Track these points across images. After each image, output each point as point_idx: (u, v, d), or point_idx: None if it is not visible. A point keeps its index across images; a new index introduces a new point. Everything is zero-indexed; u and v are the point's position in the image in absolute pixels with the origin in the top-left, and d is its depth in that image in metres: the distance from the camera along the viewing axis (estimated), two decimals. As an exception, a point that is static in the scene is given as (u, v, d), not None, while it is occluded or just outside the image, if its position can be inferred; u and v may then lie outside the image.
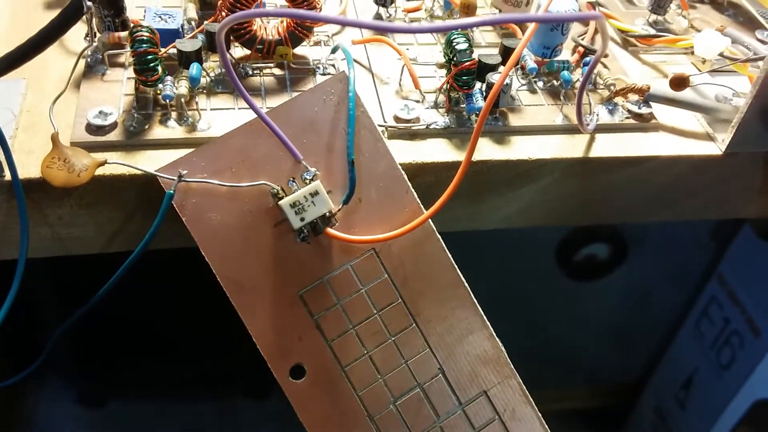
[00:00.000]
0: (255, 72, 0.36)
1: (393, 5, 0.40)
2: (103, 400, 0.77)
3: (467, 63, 0.34)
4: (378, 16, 0.41)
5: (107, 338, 0.65)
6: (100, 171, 0.30)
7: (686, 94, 0.37)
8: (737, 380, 0.73)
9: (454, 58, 0.34)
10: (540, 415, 0.33)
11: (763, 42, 0.42)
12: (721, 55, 0.38)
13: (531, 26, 0.32)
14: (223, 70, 0.35)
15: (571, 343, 0.80)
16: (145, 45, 0.31)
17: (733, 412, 0.74)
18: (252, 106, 0.28)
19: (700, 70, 0.40)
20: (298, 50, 0.37)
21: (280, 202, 0.29)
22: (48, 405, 0.75)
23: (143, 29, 0.31)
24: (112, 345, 0.68)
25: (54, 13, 0.36)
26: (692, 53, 0.41)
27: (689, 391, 0.81)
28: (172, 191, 0.29)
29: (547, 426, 0.33)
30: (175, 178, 0.29)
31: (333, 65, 0.37)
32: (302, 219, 0.30)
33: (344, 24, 0.38)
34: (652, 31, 0.42)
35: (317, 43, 0.38)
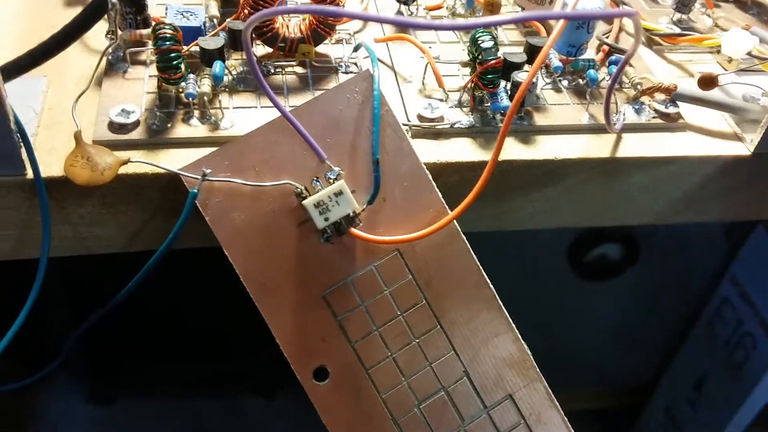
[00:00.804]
0: (277, 70, 0.35)
1: (414, 3, 0.40)
2: (112, 398, 0.76)
3: (493, 61, 0.33)
4: (400, 14, 0.40)
5: (117, 336, 0.65)
6: (122, 170, 0.30)
7: (713, 93, 0.36)
8: (749, 381, 0.72)
9: (479, 57, 0.34)
10: (566, 419, 0.33)
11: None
12: (749, 54, 0.38)
13: (558, 24, 0.32)
14: (246, 68, 0.34)
15: (581, 344, 0.80)
16: (168, 42, 0.31)
17: (744, 413, 0.73)
18: (276, 105, 0.28)
19: (726, 69, 0.40)
20: (320, 48, 0.36)
21: (304, 202, 0.29)
22: (58, 402, 0.75)
23: (166, 26, 0.31)
24: (122, 343, 0.68)
25: (73, 11, 0.36)
26: (718, 52, 0.40)
27: (701, 392, 0.80)
28: (196, 190, 0.29)
29: (573, 430, 0.33)
30: (199, 177, 0.29)
31: (355, 63, 0.36)
32: (326, 219, 0.29)
33: (369, 19, 0.38)
34: (677, 30, 0.42)
35: (339, 41, 0.37)
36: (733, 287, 0.74)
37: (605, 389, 0.89)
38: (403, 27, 0.38)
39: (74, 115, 0.30)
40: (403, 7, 0.40)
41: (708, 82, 0.35)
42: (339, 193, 0.29)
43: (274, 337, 0.30)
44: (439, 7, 0.41)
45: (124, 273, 0.31)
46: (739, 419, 0.74)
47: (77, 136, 0.29)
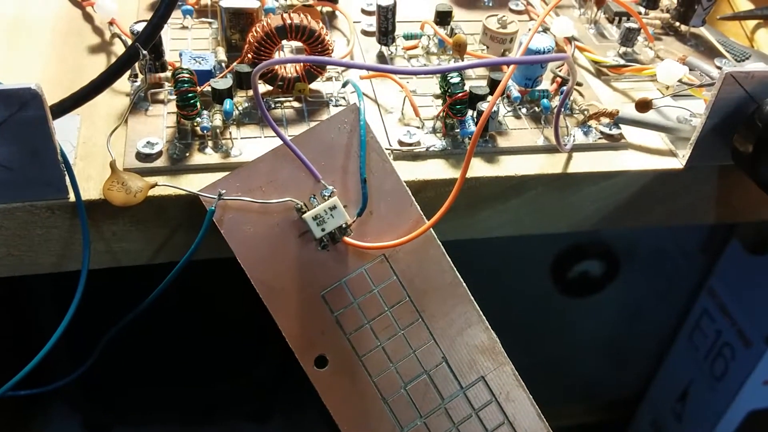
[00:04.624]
0: (277, 105, 0.41)
1: (394, 44, 0.46)
2: (108, 427, 0.78)
3: (460, 94, 0.39)
4: (381, 54, 0.46)
5: (111, 366, 0.67)
6: (149, 192, 0.35)
7: (651, 116, 0.42)
8: (731, 391, 0.74)
9: (449, 90, 0.40)
10: (531, 397, 0.38)
11: (719, 68, 0.47)
12: (680, 81, 0.44)
13: (512, 66, 0.38)
14: (250, 104, 0.40)
15: (567, 360, 0.82)
16: (186, 84, 0.36)
17: (728, 423, 0.76)
18: (279, 135, 0.34)
19: (663, 95, 0.46)
20: (314, 85, 0.42)
21: (304, 216, 0.35)
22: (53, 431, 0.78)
23: (184, 71, 0.37)
24: (117, 372, 0.69)
25: (96, 57, 0.42)
26: (657, 80, 0.46)
27: (685, 403, 0.82)
28: (213, 208, 0.34)
29: (537, 407, 0.38)
30: (215, 197, 0.34)
31: (343, 97, 0.42)
32: (323, 230, 0.35)
33: (356, 67, 0.44)
34: (622, 62, 0.48)
35: (329, 79, 0.43)
36: (711, 300, 0.77)
37: (592, 404, 0.91)
38: (383, 72, 0.44)
39: (109, 148, 0.35)
40: (384, 48, 0.46)
41: (643, 105, 0.41)
42: (333, 208, 0.35)
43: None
44: (414, 47, 0.47)
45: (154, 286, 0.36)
46: (723, 429, 0.76)
47: (113, 165, 0.34)
